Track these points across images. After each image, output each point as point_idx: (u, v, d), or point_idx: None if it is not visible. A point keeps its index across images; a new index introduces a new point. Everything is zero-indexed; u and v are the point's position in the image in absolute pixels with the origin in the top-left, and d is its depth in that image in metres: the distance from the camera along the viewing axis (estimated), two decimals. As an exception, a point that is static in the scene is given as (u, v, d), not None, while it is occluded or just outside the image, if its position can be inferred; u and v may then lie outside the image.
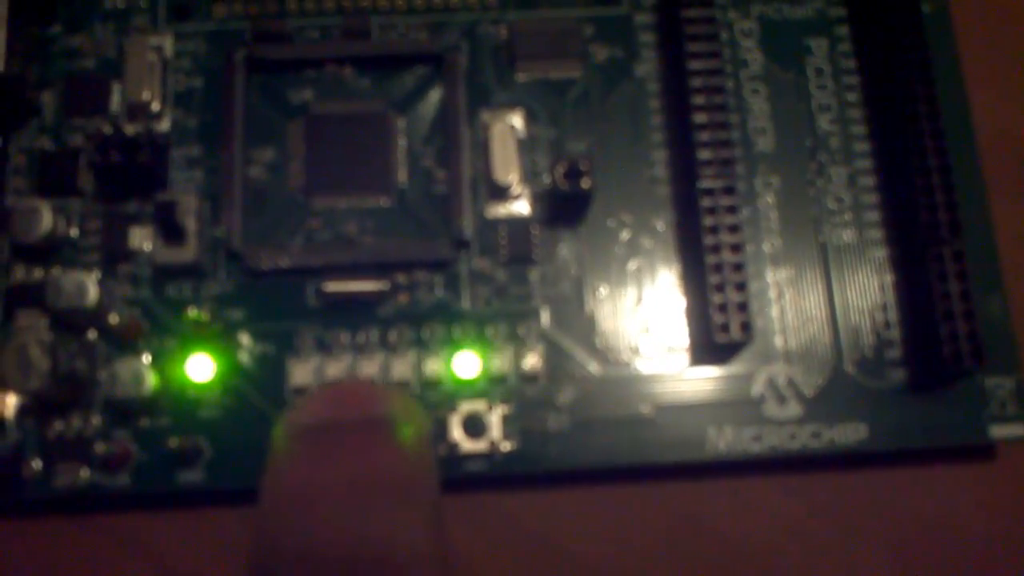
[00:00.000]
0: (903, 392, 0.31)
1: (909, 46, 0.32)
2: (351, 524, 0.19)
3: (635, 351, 0.32)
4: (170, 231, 0.31)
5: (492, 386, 0.31)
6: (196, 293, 0.31)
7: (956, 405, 0.31)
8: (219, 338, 0.31)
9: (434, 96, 0.34)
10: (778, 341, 0.32)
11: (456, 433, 0.30)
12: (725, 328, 0.30)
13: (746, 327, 0.30)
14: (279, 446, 0.21)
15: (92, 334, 0.31)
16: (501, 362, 0.31)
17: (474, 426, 0.30)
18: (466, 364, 0.31)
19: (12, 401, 0.30)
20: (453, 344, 0.31)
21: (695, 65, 0.32)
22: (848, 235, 0.33)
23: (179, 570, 0.31)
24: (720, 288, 0.30)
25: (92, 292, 0.30)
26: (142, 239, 0.32)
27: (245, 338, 0.31)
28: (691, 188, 0.31)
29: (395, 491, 0.20)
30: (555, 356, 0.31)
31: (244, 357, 0.31)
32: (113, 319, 0.31)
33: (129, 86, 0.33)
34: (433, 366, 0.31)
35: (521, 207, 0.33)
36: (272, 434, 0.22)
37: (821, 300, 0.32)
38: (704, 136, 0.31)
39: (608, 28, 0.34)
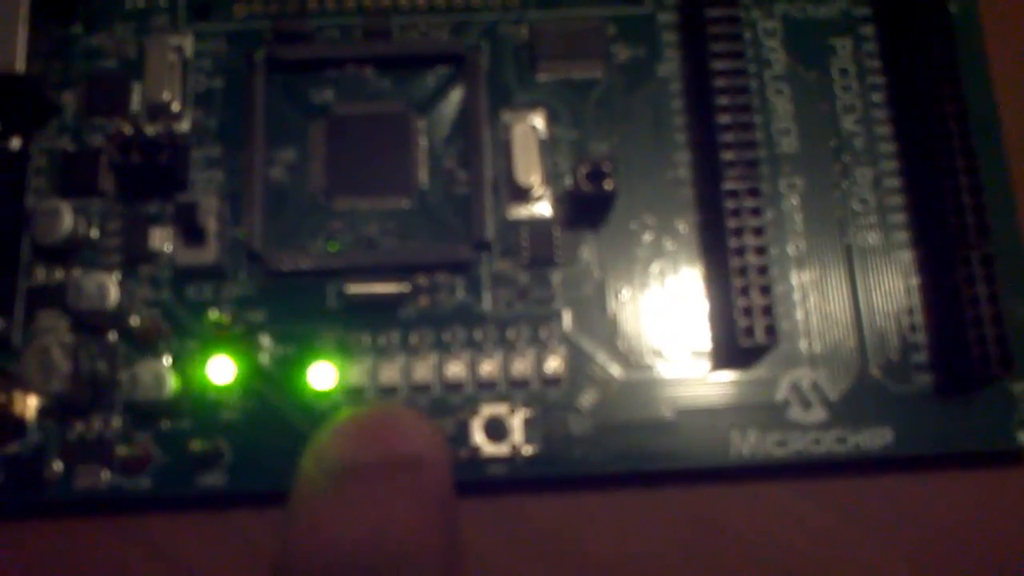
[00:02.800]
0: (929, 397, 0.31)
1: (936, 46, 0.32)
2: None
3: (658, 354, 0.31)
4: (191, 233, 0.31)
5: (514, 389, 0.31)
6: (217, 295, 0.31)
7: (983, 410, 0.31)
8: (240, 340, 0.31)
9: (455, 96, 0.33)
10: (803, 345, 0.31)
11: (478, 437, 0.30)
12: (750, 332, 0.29)
13: (771, 331, 0.29)
14: (307, 478, 0.22)
15: (112, 335, 0.31)
16: (523, 365, 0.31)
17: (496, 430, 0.30)
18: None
19: (33, 403, 0.30)
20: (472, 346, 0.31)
21: (719, 65, 0.32)
22: (873, 237, 0.32)
23: (199, 572, 0.30)
24: (745, 291, 0.30)
25: (113, 294, 0.30)
26: (162, 240, 0.32)
27: (266, 340, 0.31)
28: (715, 190, 0.31)
29: (415, 549, 0.21)
30: (577, 359, 0.31)
31: (265, 359, 0.31)
32: (134, 321, 0.31)
33: (149, 86, 0.33)
34: (453, 368, 0.31)
35: (543, 209, 0.32)
36: (300, 462, 0.22)
37: (846, 303, 0.32)
38: (728, 137, 0.31)
39: (630, 28, 0.34)
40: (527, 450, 0.30)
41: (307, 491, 0.22)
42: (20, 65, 0.31)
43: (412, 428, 0.23)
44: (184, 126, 0.33)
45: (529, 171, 0.32)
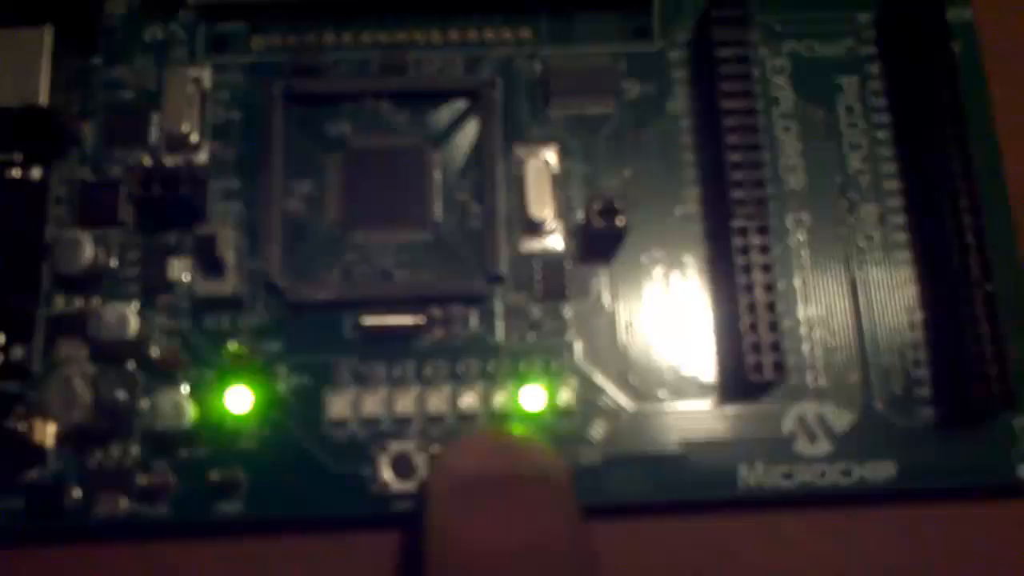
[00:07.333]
0: (932, 431, 0.32)
1: (940, 85, 0.33)
2: None
3: (667, 387, 0.32)
4: (209, 263, 0.31)
5: (524, 420, 0.31)
6: (234, 325, 0.32)
7: (985, 445, 0.31)
8: (257, 370, 0.31)
9: (469, 131, 0.34)
10: (809, 378, 0.32)
11: (491, 468, 0.30)
12: (758, 368, 0.30)
13: (779, 366, 0.30)
14: (437, 497, 0.22)
15: (131, 365, 0.31)
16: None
17: (508, 461, 0.31)
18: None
19: (52, 430, 0.31)
20: (487, 377, 0.32)
21: (728, 104, 0.32)
22: (878, 273, 0.33)
23: (215, 599, 0.31)
24: (753, 328, 0.30)
25: (133, 324, 0.30)
26: (181, 270, 0.32)
27: (283, 370, 0.31)
28: (724, 226, 0.32)
29: (568, 559, 0.21)
30: (588, 391, 0.32)
31: (282, 389, 0.31)
32: (153, 350, 0.31)
33: (168, 118, 0.33)
34: (467, 400, 0.31)
35: (555, 242, 0.33)
36: (427, 483, 0.22)
37: (851, 337, 0.32)
38: (737, 175, 0.32)
39: (641, 64, 0.35)
40: (539, 481, 0.31)
41: (440, 509, 0.21)
42: (43, 98, 0.31)
43: (531, 446, 0.23)
44: (202, 157, 0.33)
45: (542, 205, 0.33)
